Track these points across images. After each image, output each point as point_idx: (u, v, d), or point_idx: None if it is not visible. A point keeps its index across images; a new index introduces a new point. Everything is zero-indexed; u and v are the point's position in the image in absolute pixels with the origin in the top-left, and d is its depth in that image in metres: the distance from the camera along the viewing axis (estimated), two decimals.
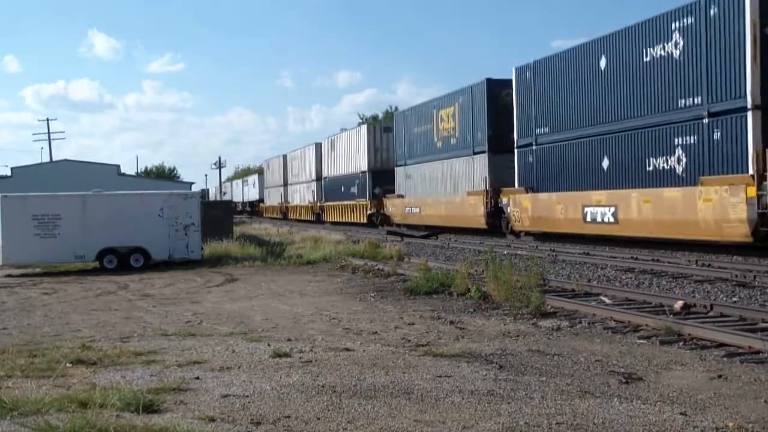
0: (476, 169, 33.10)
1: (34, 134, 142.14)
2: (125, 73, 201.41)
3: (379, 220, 44.99)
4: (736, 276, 15.46)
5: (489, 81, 32.47)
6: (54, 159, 71.20)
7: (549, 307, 12.46)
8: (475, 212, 32.45)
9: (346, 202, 50.67)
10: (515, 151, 30.28)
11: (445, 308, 13.13)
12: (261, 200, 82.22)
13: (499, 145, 31.56)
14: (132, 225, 23.37)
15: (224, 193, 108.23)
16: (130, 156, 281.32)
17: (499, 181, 31.52)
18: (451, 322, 11.56)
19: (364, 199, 46.93)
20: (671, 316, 11.13)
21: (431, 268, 17.70)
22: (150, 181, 60.87)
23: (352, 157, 49.86)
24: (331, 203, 54.86)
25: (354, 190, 49.23)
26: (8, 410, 6.62)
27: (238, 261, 24.13)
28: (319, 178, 57.87)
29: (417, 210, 39.61)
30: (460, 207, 34.18)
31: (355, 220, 48.43)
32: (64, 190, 26.19)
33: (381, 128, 48.70)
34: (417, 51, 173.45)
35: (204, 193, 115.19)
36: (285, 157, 69.49)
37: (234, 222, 36.49)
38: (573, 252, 23.17)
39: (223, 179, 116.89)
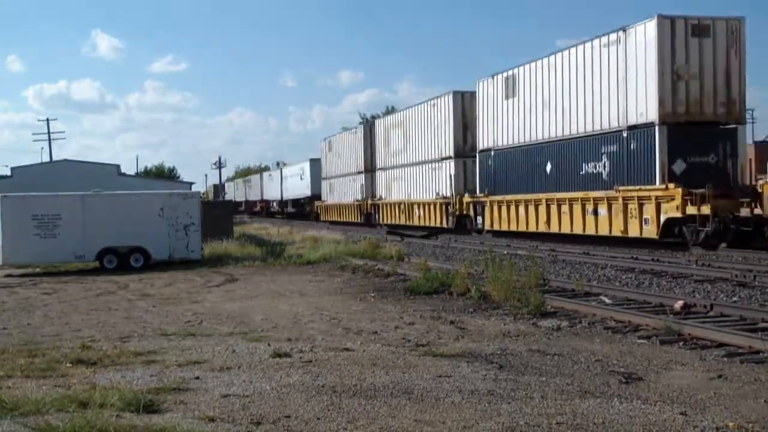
0: None
1: (34, 134, 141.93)
2: (127, 74, 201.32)
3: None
4: (736, 276, 15.46)
5: None
6: (54, 159, 71.16)
7: (549, 307, 12.46)
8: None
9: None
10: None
11: (445, 308, 13.13)
12: (315, 196, 62.51)
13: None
14: (132, 225, 23.36)
15: (224, 194, 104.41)
16: (131, 156, 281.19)
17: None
18: (451, 322, 11.56)
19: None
20: (671, 316, 11.13)
21: (431, 268, 17.70)
22: (150, 181, 60.81)
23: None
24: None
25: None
26: (8, 410, 6.62)
27: (238, 261, 24.12)
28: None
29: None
30: None
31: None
32: (64, 190, 26.17)
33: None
34: (418, 51, 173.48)
35: (217, 188, 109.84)
36: (371, 125, 50.49)
37: (234, 222, 36.48)
38: (573, 252, 23.17)
39: (223, 179, 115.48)
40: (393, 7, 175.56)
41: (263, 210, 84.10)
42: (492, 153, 33.13)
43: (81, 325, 12.60)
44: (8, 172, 55.19)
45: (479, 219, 34.02)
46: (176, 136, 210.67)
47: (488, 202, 33.03)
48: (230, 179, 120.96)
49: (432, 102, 39.10)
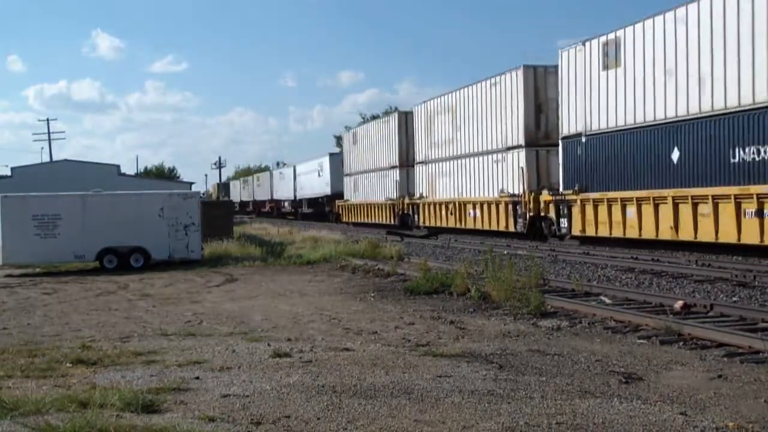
0: None
1: (34, 134, 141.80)
2: (128, 74, 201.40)
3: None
4: (736, 276, 15.45)
5: None
6: (55, 159, 71.18)
7: (549, 307, 12.46)
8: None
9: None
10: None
11: (445, 308, 13.12)
12: (336, 195, 55.88)
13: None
14: (132, 225, 23.37)
15: (222, 194, 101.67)
16: (131, 156, 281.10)
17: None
18: (451, 322, 11.56)
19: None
20: (671, 316, 11.13)
21: (431, 268, 17.69)
22: (150, 181, 60.84)
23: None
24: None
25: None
26: (8, 410, 6.62)
27: (238, 261, 24.12)
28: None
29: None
30: None
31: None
32: (64, 190, 26.19)
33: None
34: (419, 51, 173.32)
35: (221, 188, 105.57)
36: (406, 113, 43.46)
37: (234, 222, 36.47)
38: (573, 252, 23.17)
39: (223, 179, 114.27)
40: (393, 8, 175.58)
41: (273, 210, 78.13)
42: (582, 139, 25.84)
43: (81, 325, 12.61)
44: (8, 172, 55.27)
45: (563, 222, 27.02)
46: (176, 136, 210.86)
47: (578, 201, 25.72)
48: (235, 178, 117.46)
49: (493, 80, 31.88)
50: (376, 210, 46.01)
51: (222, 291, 17.25)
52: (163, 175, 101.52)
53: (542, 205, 28.39)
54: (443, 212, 36.68)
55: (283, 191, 73.61)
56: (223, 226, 29.95)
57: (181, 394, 7.37)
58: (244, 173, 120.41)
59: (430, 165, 38.58)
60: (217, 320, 12.58)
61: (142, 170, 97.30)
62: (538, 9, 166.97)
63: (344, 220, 52.40)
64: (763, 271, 16.28)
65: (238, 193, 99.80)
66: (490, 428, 6.14)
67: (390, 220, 43.44)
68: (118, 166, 56.48)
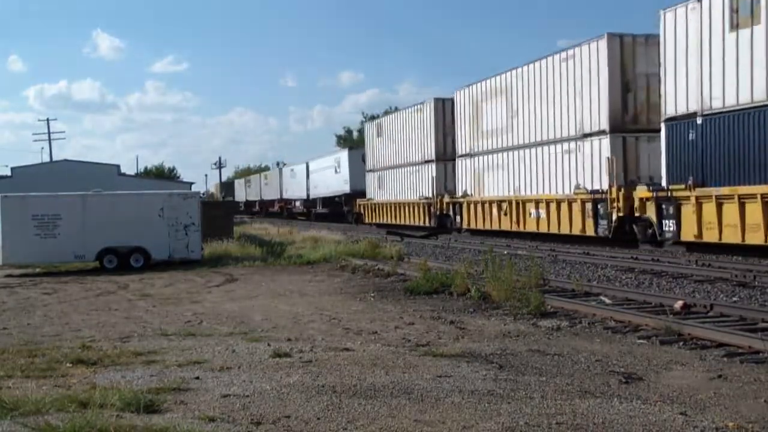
0: None
1: (34, 134, 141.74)
2: (128, 74, 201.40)
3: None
4: (736, 276, 15.45)
5: None
6: (54, 159, 71.20)
7: (549, 307, 12.46)
8: None
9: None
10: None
11: (445, 308, 13.12)
12: (357, 193, 51.10)
13: None
14: (132, 225, 23.37)
15: (224, 195, 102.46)
16: (131, 156, 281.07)
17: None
18: (451, 322, 11.56)
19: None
20: (671, 316, 11.13)
21: (431, 268, 17.69)
22: (150, 181, 60.84)
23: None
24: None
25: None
26: (8, 410, 6.62)
27: (238, 261, 24.12)
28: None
29: None
30: None
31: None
32: (64, 190, 26.16)
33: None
34: (419, 51, 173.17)
35: (225, 187, 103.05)
36: (443, 100, 38.13)
37: (234, 222, 36.46)
38: (573, 252, 23.16)
39: (223, 179, 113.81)
40: (394, 8, 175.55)
41: (283, 211, 72.86)
42: (698, 120, 20.60)
43: (81, 325, 12.61)
44: (8, 172, 55.24)
45: (669, 225, 21.84)
46: (176, 136, 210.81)
47: (692, 199, 20.65)
48: (239, 177, 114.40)
49: (564, 55, 27.21)
50: (408, 210, 41.01)
51: (222, 291, 17.25)
52: (163, 175, 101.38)
53: (637, 203, 23.31)
54: (494, 212, 31.93)
55: (295, 190, 68.33)
56: (223, 226, 29.94)
57: (181, 394, 7.37)
58: (245, 173, 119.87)
59: (477, 158, 33.55)
60: (217, 320, 12.58)
61: (142, 170, 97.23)
62: (539, 9, 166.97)
63: (367, 221, 47.28)
64: (763, 271, 16.28)
65: (243, 192, 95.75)
66: (490, 428, 6.14)
67: (425, 222, 38.53)
68: (118, 166, 56.43)
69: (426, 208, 38.64)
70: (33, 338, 11.22)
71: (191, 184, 61.50)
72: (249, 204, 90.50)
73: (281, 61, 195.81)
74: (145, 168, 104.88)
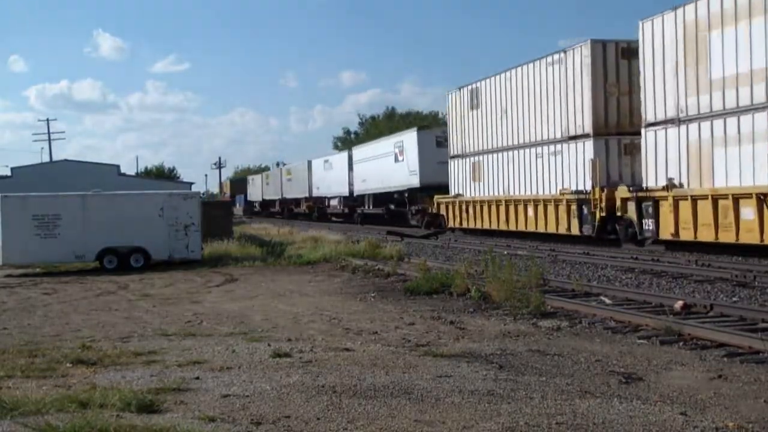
0: None
1: (34, 134, 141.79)
2: (129, 73, 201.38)
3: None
4: (736, 276, 15.45)
5: None
6: (55, 159, 71.25)
7: (549, 307, 12.46)
8: None
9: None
10: None
11: (445, 308, 13.13)
12: (428, 188, 38.87)
13: None
14: (132, 225, 23.38)
15: (224, 194, 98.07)
16: (131, 156, 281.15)
17: None
18: (451, 322, 11.56)
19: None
20: (671, 316, 11.13)
21: (431, 268, 17.69)
22: (150, 181, 60.85)
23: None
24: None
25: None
26: (8, 410, 6.63)
27: (238, 261, 24.13)
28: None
29: None
30: None
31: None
32: (64, 190, 26.16)
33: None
34: (420, 51, 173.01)
35: (235, 185, 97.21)
36: (603, 43, 25.65)
37: (234, 222, 36.46)
38: (573, 252, 23.16)
39: (223, 178, 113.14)
40: (395, 7, 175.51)
41: (312, 211, 61.90)
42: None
43: (81, 325, 12.61)
44: (8, 172, 55.24)
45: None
46: (177, 136, 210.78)
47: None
48: (242, 174, 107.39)
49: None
50: (536, 211, 28.30)
51: (222, 291, 17.25)
52: (162, 175, 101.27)
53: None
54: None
55: (330, 185, 57.00)
56: (223, 226, 29.97)
57: (181, 394, 7.37)
58: (244, 173, 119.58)
59: (698, 123, 20.75)
60: (217, 320, 12.59)
61: (141, 170, 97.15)
62: (540, 8, 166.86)
63: (452, 224, 35.21)
64: (763, 271, 16.28)
65: (258, 190, 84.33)
66: (490, 428, 6.14)
67: (573, 228, 26.33)
68: (118, 166, 56.39)
69: (578, 209, 25.98)
70: (33, 338, 11.22)
71: (191, 184, 61.52)
72: (267, 203, 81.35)
73: (282, 61, 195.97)
74: (145, 168, 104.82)
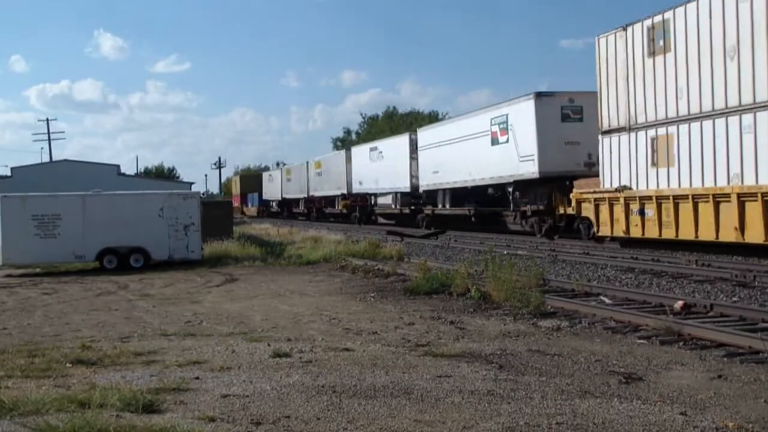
0: None
1: (34, 134, 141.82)
2: (130, 73, 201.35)
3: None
4: (736, 276, 15.45)
5: None
6: (55, 159, 71.27)
7: (549, 307, 12.46)
8: None
9: None
10: None
11: (445, 308, 13.12)
12: (550, 179, 28.08)
13: None
14: (132, 225, 23.39)
15: (224, 193, 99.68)
16: (131, 156, 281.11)
17: None
18: (451, 322, 11.56)
19: None
20: (671, 316, 11.12)
21: (431, 268, 17.69)
22: (150, 181, 60.88)
23: None
24: None
25: None
26: (8, 410, 6.62)
27: (238, 261, 24.13)
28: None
29: None
30: None
31: None
32: (64, 190, 26.20)
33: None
34: (421, 51, 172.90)
35: (248, 181, 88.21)
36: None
37: (235, 222, 36.46)
38: (573, 252, 23.16)
39: (223, 179, 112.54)
40: (396, 7, 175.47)
41: (350, 211, 52.00)
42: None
43: (81, 325, 12.61)
44: (8, 172, 55.30)
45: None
46: (178, 136, 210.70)
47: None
48: (276, 167, 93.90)
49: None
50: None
51: (222, 291, 17.25)
52: (162, 175, 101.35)
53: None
54: None
55: (379, 179, 46.17)
56: (223, 226, 29.97)
57: (181, 394, 7.37)
58: (244, 173, 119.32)
59: None
60: (217, 320, 12.58)
61: (141, 170, 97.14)
62: (540, 9, 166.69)
63: (608, 232, 24.46)
64: (763, 271, 16.27)
65: (277, 187, 73.64)
66: (490, 428, 6.14)
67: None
68: (118, 166, 56.55)
69: None
70: (33, 338, 11.22)
71: (191, 184, 61.60)
72: (287, 203, 70.93)
73: (283, 61, 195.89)
74: (145, 168, 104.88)
